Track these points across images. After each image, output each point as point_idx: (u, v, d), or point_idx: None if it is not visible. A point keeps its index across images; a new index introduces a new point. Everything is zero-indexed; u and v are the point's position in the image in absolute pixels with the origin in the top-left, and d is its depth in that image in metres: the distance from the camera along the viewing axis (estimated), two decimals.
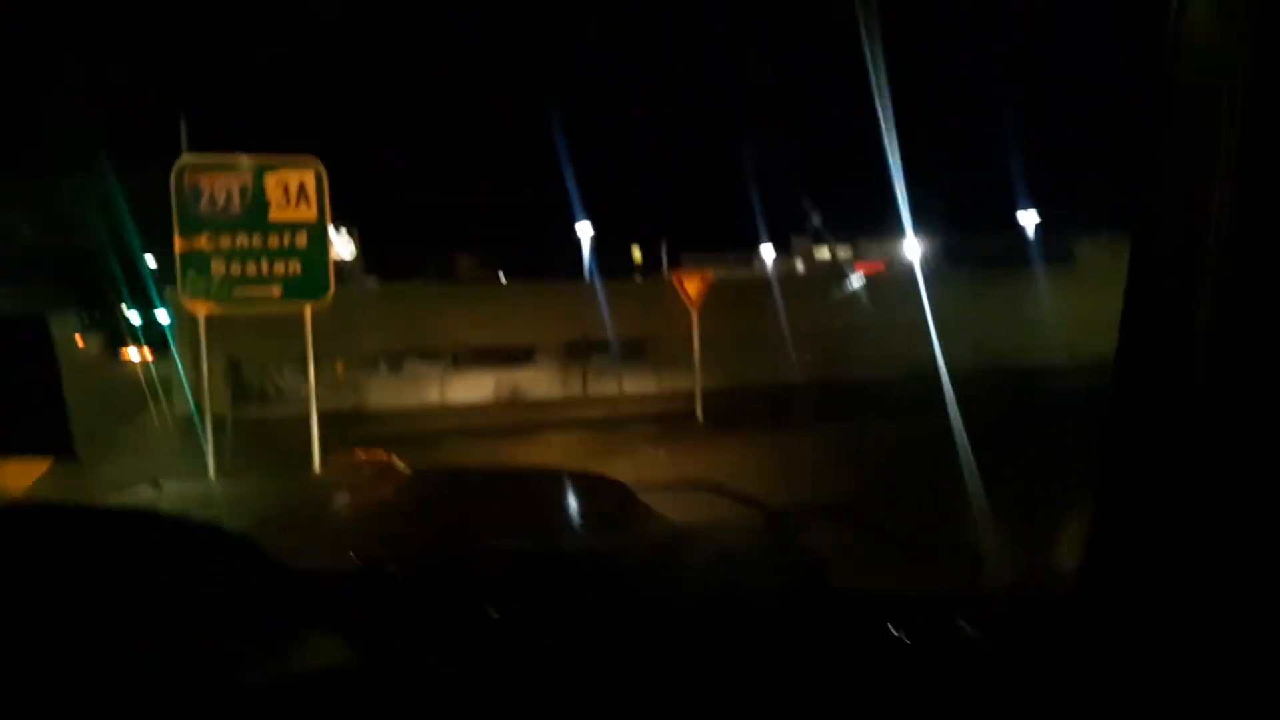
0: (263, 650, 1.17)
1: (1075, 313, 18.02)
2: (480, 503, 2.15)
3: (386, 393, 13.97)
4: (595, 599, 1.28)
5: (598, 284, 17.66)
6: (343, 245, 19.87)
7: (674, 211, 26.89)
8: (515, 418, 12.95)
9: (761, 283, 19.84)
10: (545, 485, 2.51)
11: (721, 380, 14.30)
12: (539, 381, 14.91)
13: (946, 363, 14.64)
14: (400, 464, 2.45)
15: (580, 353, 15.49)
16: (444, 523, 1.92)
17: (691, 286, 11.99)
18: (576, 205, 21.68)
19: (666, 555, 1.63)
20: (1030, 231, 23.14)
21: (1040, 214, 21.01)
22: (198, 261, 7.11)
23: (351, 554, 1.38)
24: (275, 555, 1.31)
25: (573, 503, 2.29)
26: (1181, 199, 0.94)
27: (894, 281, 17.51)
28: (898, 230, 21.22)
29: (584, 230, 23.71)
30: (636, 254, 33.04)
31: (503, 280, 19.79)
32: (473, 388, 14.42)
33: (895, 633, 1.17)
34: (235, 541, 1.34)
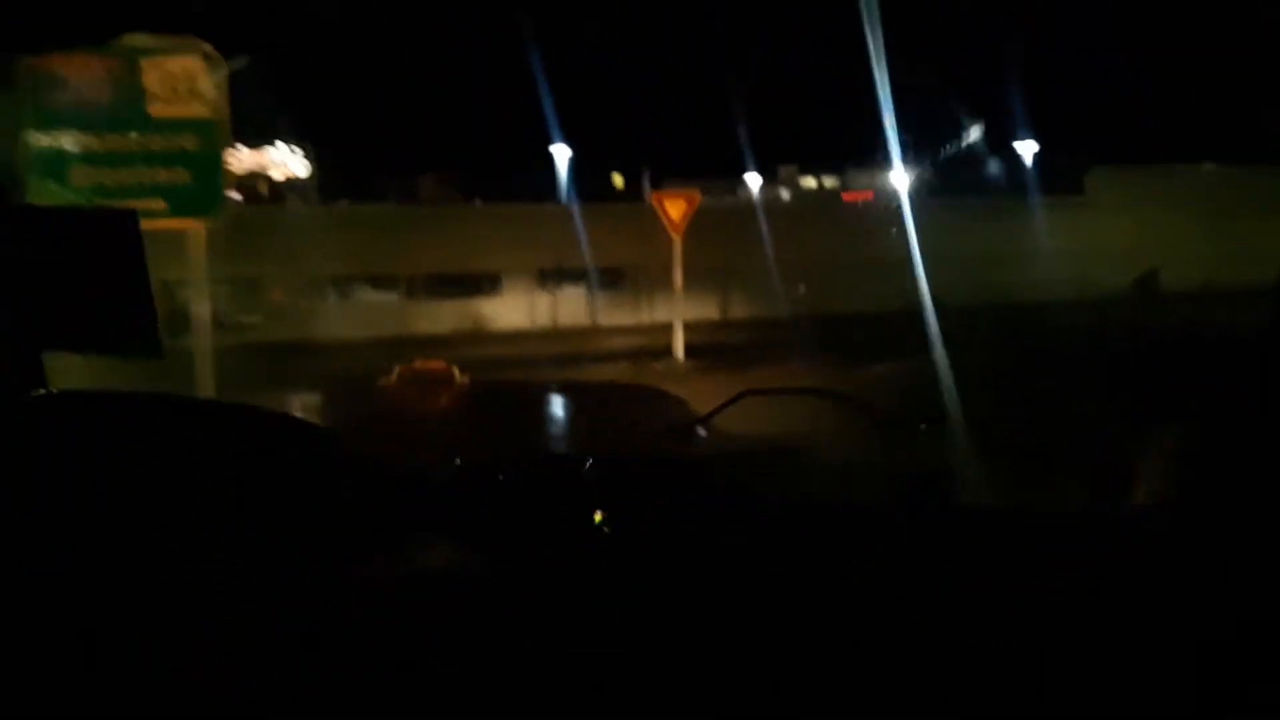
0: (374, 550, 1.15)
1: (1084, 245, 16.91)
2: (544, 413, 2.21)
3: (336, 323, 12.69)
4: (702, 509, 1.26)
5: (572, 207, 16.30)
6: (297, 163, 18.44)
7: (657, 139, 25.29)
8: (477, 353, 11.77)
9: (748, 210, 18.51)
10: (604, 397, 2.61)
11: (705, 313, 13.19)
12: (505, 312, 13.68)
13: (947, 296, 13.68)
14: (459, 374, 2.49)
15: (551, 281, 14.24)
16: (511, 431, 1.94)
17: (674, 209, 10.65)
18: (554, 127, 20.11)
19: (773, 467, 1.58)
20: (1031, 161, 21.84)
21: (1050, 144, 19.75)
22: (54, 166, 5.71)
23: (457, 460, 1.38)
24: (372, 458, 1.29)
25: (634, 414, 2.25)
26: None
27: (889, 211, 16.29)
28: (892, 159, 19.87)
29: (560, 153, 22.12)
30: (618, 180, 31.52)
31: (479, 205, 18.27)
32: (431, 318, 13.16)
33: (1019, 549, 1.15)
34: (338, 441, 1.34)
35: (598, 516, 1.24)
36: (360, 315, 13.17)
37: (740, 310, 14.15)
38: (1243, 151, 17.69)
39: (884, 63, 13.18)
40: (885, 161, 19.48)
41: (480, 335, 12.99)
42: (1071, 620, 1.03)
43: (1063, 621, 1.03)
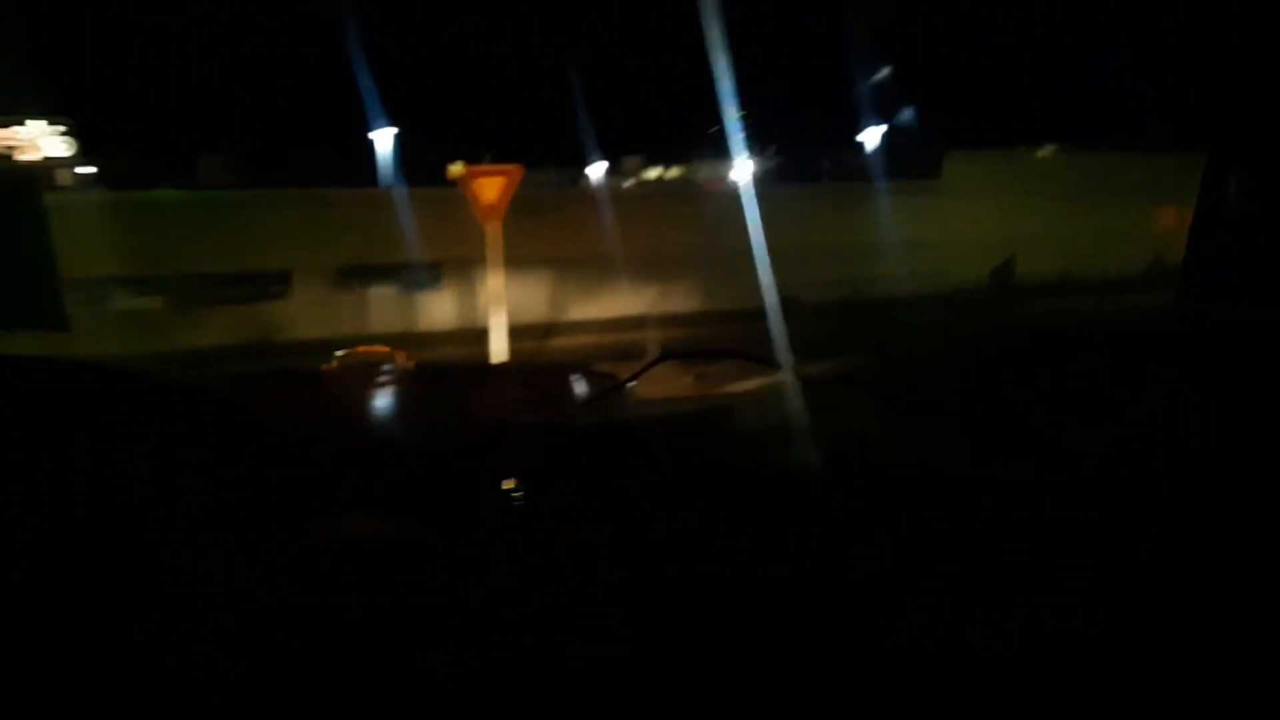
0: (294, 524, 1.16)
1: (943, 234, 16.07)
2: (488, 392, 2.34)
3: (78, 339, 10.20)
4: (625, 471, 1.26)
5: (383, 193, 14.18)
6: (53, 142, 15.53)
7: (496, 128, 23.30)
8: (265, 370, 9.68)
9: (588, 198, 16.84)
10: (547, 377, 2.81)
11: (538, 314, 11.48)
12: (299, 318, 11.50)
13: (802, 293, 12.55)
14: (403, 359, 2.51)
15: (356, 280, 12.16)
16: (452, 410, 1.99)
17: (486, 190, 8.77)
18: (379, 112, 17.78)
19: (696, 428, 1.57)
20: (877, 146, 20.94)
21: (905, 129, 18.69)
22: None
23: (377, 436, 1.49)
24: (297, 438, 1.31)
25: (579, 390, 2.24)
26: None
27: (738, 201, 14.87)
28: (738, 148, 18.70)
29: (383, 137, 19.76)
30: (456, 170, 29.27)
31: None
32: (204, 329, 10.86)
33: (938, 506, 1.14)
34: (262, 421, 1.34)
35: (508, 484, 1.23)
36: (112, 327, 10.72)
37: (581, 310, 12.49)
38: (1091, 134, 17.32)
39: (723, 49, 12.16)
40: (731, 151, 18.27)
41: (268, 347, 10.82)
42: (1001, 574, 1.00)
43: (995, 575, 1.00)
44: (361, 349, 2.76)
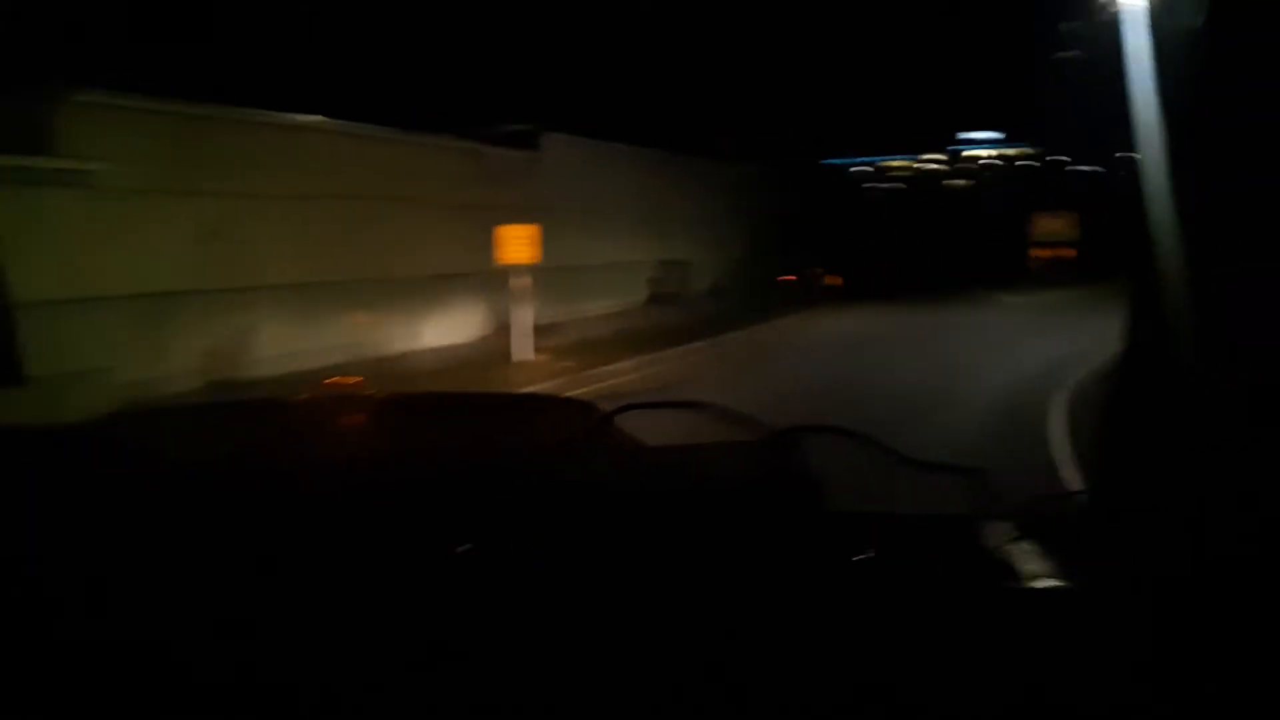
0: (243, 573, 1.16)
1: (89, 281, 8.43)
2: (454, 425, 2.19)
3: None
4: (573, 527, 1.26)
5: None
6: None
7: None
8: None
9: None
10: (517, 407, 2.67)
11: None
12: None
13: None
14: (371, 390, 2.47)
15: None
16: (420, 445, 1.97)
17: None
18: None
19: (649, 482, 1.58)
20: None
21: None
22: None
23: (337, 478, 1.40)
24: (255, 478, 1.35)
25: (546, 424, 2.22)
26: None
27: None
28: None
29: None
30: None
31: None
32: None
33: (889, 555, 1.17)
34: (229, 460, 1.38)
35: (462, 548, 1.20)
36: None
37: None
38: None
39: None
40: None
41: None
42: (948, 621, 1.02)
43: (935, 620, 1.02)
44: (334, 380, 2.76)
